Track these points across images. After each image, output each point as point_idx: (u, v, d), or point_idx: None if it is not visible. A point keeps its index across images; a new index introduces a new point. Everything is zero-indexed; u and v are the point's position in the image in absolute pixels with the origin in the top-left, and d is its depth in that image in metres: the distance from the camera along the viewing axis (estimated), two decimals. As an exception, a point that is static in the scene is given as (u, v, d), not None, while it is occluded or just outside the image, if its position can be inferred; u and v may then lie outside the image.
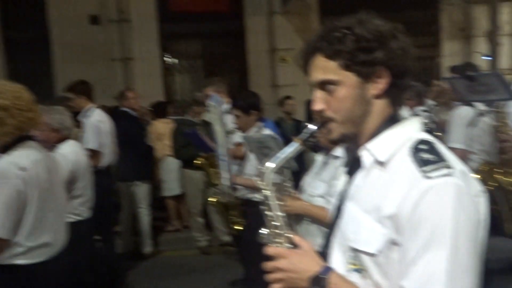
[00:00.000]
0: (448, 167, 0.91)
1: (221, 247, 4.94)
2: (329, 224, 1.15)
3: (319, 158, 2.24)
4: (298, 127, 5.32)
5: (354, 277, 0.99)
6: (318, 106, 1.05)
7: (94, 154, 3.71)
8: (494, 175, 2.21)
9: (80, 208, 2.98)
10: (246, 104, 3.12)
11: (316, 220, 2.05)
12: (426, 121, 3.32)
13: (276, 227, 1.07)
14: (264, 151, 2.49)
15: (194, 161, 3.80)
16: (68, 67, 6.45)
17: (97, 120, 3.92)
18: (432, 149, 0.94)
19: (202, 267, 4.59)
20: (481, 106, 2.91)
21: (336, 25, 1.02)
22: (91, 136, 3.81)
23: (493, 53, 7.65)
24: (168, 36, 7.23)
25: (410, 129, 1.02)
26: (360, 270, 0.98)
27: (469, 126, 2.93)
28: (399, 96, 1.05)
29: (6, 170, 1.89)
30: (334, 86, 1.01)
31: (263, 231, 1.09)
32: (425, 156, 0.93)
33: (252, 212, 2.84)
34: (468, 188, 0.92)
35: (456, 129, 2.94)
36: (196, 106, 4.95)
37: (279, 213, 1.08)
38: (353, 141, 1.07)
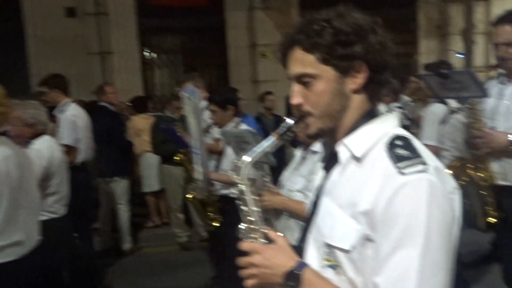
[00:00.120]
0: (423, 163, 0.90)
1: (201, 242, 4.90)
2: (305, 219, 1.14)
3: (298, 153, 2.24)
4: (279, 123, 5.24)
5: (329, 273, 0.97)
6: (295, 100, 1.03)
7: (69, 149, 3.61)
8: (467, 171, 2.25)
9: (55, 206, 2.89)
10: (223, 99, 3.08)
11: (294, 214, 2.05)
12: (401, 117, 3.36)
13: (251, 222, 1.05)
14: (242, 146, 2.46)
15: (174, 157, 3.75)
16: (44, 61, 6.28)
17: (72, 115, 3.81)
18: (407, 145, 0.94)
19: (183, 263, 4.54)
20: (453, 103, 2.97)
21: (314, 17, 1.00)
22: (67, 132, 3.70)
23: (468, 51, 7.82)
24: (147, 31, 7.12)
25: (387, 124, 1.01)
26: (335, 266, 0.97)
27: (441, 123, 2.99)
28: (378, 92, 1.03)
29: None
30: (312, 80, 1.00)
31: (241, 226, 1.07)
32: (400, 152, 0.92)
33: (228, 209, 2.82)
34: (442, 185, 0.91)
35: (428, 126, 2.98)
36: (175, 101, 4.87)
37: (255, 208, 1.06)
38: (330, 136, 1.05)
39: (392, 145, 0.93)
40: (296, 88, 1.03)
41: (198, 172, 2.96)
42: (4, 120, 1.98)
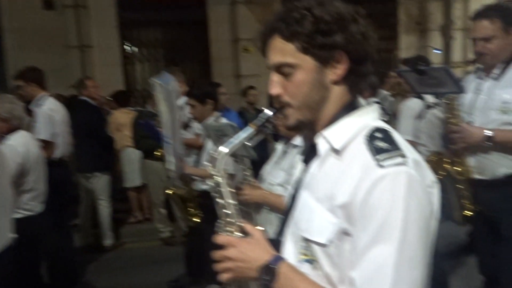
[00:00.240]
0: (402, 156, 0.88)
1: (184, 238, 4.84)
2: (284, 213, 1.11)
3: (279, 147, 2.23)
4: (261, 117, 5.27)
5: (305, 268, 0.96)
6: (274, 90, 1.00)
7: (46, 145, 3.50)
8: (444, 165, 2.27)
9: (31, 203, 2.81)
10: (201, 93, 3.03)
11: (274, 208, 2.04)
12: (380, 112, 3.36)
13: (227, 215, 1.02)
14: (223, 139, 2.43)
15: (155, 153, 3.69)
16: (21, 55, 6.06)
17: (49, 109, 3.69)
18: (387, 138, 0.92)
19: (165, 258, 4.49)
20: (430, 98, 2.99)
21: (295, 5, 0.97)
22: (43, 126, 3.58)
23: (447, 46, 7.92)
24: (128, 24, 6.95)
25: (368, 117, 0.98)
26: (311, 260, 0.95)
27: (417, 118, 3.01)
28: (358, 83, 1.00)
29: None
30: (291, 70, 0.96)
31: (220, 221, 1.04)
32: (380, 145, 0.90)
33: (209, 204, 2.79)
34: (421, 178, 0.89)
35: (404, 120, 3.00)
36: (157, 95, 4.80)
37: (231, 201, 1.03)
38: (310, 128, 1.03)
39: (371, 138, 0.91)
40: (275, 78, 1.00)
41: (170, 162, 2.88)
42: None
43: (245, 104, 6.08)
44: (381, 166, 0.86)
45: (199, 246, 2.70)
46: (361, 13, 0.98)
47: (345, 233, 0.89)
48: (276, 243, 1.04)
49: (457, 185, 2.26)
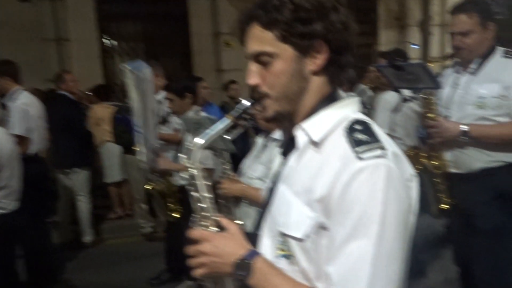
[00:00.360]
0: (382, 148, 0.86)
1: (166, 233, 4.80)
2: (261, 207, 1.08)
3: (259, 140, 2.20)
4: (243, 112, 5.24)
5: (282, 263, 0.93)
6: (252, 80, 0.96)
7: (21, 140, 3.37)
8: (420, 159, 2.28)
9: (3, 201, 2.70)
10: (180, 87, 2.97)
11: (253, 202, 2.02)
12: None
13: (202, 209, 0.98)
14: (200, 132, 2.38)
15: (133, 147, 3.61)
16: (-4, 48, 5.85)
17: (24, 104, 3.56)
18: (366, 130, 0.89)
19: (147, 253, 4.43)
20: (407, 92, 2.99)
21: None
22: (18, 121, 3.45)
23: (425, 42, 8.01)
24: (107, 17, 6.76)
25: (348, 109, 0.96)
26: (288, 256, 0.92)
27: (393, 111, 3.02)
28: (338, 74, 0.97)
29: None
30: (269, 59, 0.93)
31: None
32: (359, 137, 0.87)
33: (188, 200, 2.74)
34: (400, 171, 0.87)
35: (381, 113, 3.00)
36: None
37: (206, 194, 0.99)
38: (288, 120, 0.99)
39: (351, 130, 0.89)
40: (253, 67, 0.96)
41: (141, 153, 2.78)
42: None
43: (226, 99, 6.02)
44: (360, 159, 0.84)
45: (179, 241, 2.66)
46: (342, 1, 0.95)
47: (322, 227, 0.87)
48: (254, 237, 1.02)
49: (434, 179, 2.27)
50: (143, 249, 4.65)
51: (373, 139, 0.87)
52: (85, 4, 6.50)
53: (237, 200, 2.12)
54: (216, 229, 0.97)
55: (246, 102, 0.99)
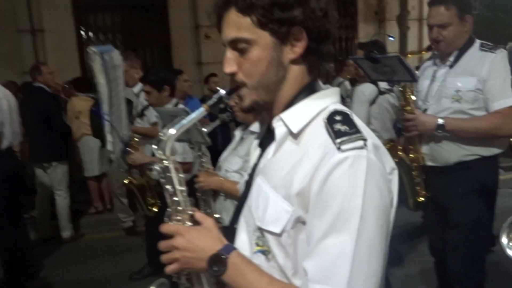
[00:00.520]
0: (363, 139, 0.82)
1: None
2: (239, 200, 1.04)
3: (237, 133, 2.17)
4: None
5: (259, 259, 0.89)
6: (228, 68, 0.91)
7: (-8, 135, 3.26)
8: (397, 152, 2.28)
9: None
10: (158, 79, 2.88)
11: (230, 195, 2.00)
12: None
13: (176, 203, 0.93)
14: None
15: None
16: (-34, 39, 5.61)
17: (-6, 97, 3.42)
18: (347, 120, 0.85)
19: (128, 248, 4.36)
20: (383, 85, 2.99)
21: None
22: (-13, 115, 3.32)
23: (403, 36, 8.09)
24: (83, 8, 6.56)
25: (328, 100, 0.91)
26: (265, 251, 0.89)
27: (370, 103, 3.01)
28: (318, 64, 0.92)
29: None
30: (247, 46, 0.88)
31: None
32: (339, 127, 0.83)
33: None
34: (381, 164, 0.84)
35: (357, 105, 2.99)
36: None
37: (180, 187, 0.93)
38: (266, 111, 0.95)
39: (331, 120, 0.85)
40: (230, 55, 0.91)
41: (109, 143, 2.63)
42: None
43: (207, 92, 5.95)
44: (341, 150, 0.80)
45: (158, 236, 2.61)
46: None
47: (301, 221, 0.83)
48: (231, 231, 0.98)
49: (410, 172, 2.28)
50: (123, 243, 4.57)
51: (353, 130, 0.83)
52: (60, -6, 6.30)
53: (215, 193, 2.10)
54: (190, 223, 0.93)
55: (221, 91, 0.95)
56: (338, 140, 0.81)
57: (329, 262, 0.78)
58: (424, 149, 2.26)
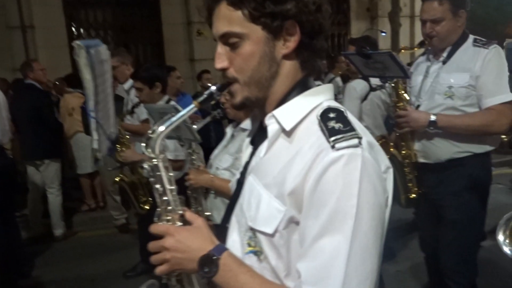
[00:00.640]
0: (358, 137, 0.79)
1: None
2: (230, 199, 1.01)
3: (228, 130, 2.15)
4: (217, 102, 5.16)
5: (251, 260, 0.87)
6: (219, 63, 0.88)
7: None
8: (389, 149, 2.26)
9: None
10: (149, 75, 2.82)
11: (221, 193, 1.97)
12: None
13: (166, 202, 0.90)
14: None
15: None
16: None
17: (-17, 94, 3.36)
18: (341, 118, 0.83)
19: (121, 246, 4.33)
20: (375, 81, 2.97)
21: None
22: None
23: (394, 33, 8.10)
24: (74, 4, 6.47)
25: (321, 96, 0.89)
26: (257, 252, 0.86)
27: (361, 99, 2.99)
28: (311, 59, 0.90)
29: None
30: (238, 40, 0.85)
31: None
32: (334, 125, 0.81)
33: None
34: (376, 162, 0.81)
35: (349, 101, 2.97)
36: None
37: (170, 187, 0.90)
38: (258, 107, 0.92)
39: (324, 118, 0.82)
40: (221, 49, 0.88)
41: (94, 140, 2.54)
42: None
43: (200, 88, 5.91)
44: (335, 148, 0.77)
45: (151, 233, 2.58)
46: None
47: (294, 222, 0.81)
48: (222, 229, 0.96)
49: (403, 168, 2.27)
50: (116, 241, 4.52)
51: (348, 128, 0.80)
52: (51, -10, 6.21)
53: (206, 191, 2.08)
54: (180, 223, 0.90)
55: (212, 87, 0.91)
56: (332, 138, 0.78)
57: (324, 263, 0.76)
58: (416, 145, 2.23)
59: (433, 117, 2.08)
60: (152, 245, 0.88)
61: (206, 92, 0.92)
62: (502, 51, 2.08)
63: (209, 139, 4.48)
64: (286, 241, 0.83)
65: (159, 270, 0.88)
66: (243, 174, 0.98)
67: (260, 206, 0.86)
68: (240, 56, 0.86)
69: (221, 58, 0.88)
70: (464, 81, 2.06)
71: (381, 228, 0.81)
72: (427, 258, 2.48)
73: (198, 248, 0.85)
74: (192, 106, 0.91)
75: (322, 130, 0.81)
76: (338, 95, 3.91)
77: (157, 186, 0.91)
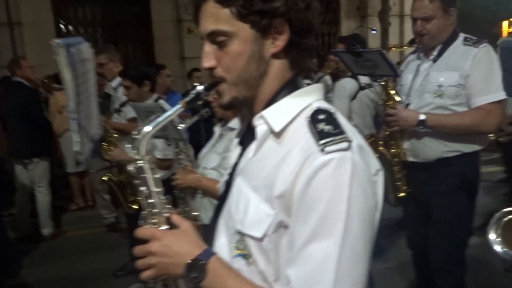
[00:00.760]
0: (348, 140, 0.77)
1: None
2: (219, 200, 0.98)
3: (217, 130, 2.12)
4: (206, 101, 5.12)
5: (239, 263, 0.85)
6: (207, 62, 0.85)
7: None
8: (378, 147, 2.25)
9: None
10: (138, 73, 2.76)
11: (208, 193, 1.94)
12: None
13: (151, 205, 0.87)
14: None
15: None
16: None
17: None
18: (331, 120, 0.81)
19: (110, 245, 4.27)
20: (364, 79, 2.96)
21: None
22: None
23: (384, 32, 8.12)
24: (63, 1, 6.36)
25: (311, 97, 0.87)
26: (246, 255, 0.84)
27: (350, 99, 2.98)
28: (300, 58, 0.87)
29: None
30: (226, 39, 0.83)
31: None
32: (323, 127, 0.79)
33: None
34: (366, 165, 0.80)
35: (338, 100, 2.96)
36: (97, 78, 4.47)
37: (156, 189, 0.87)
38: (247, 107, 0.90)
39: (314, 120, 0.80)
40: (208, 48, 0.85)
41: (75, 142, 2.43)
42: None
43: (190, 87, 5.86)
44: (325, 152, 0.76)
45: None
46: None
47: (283, 226, 0.79)
48: (211, 230, 0.94)
49: (392, 167, 2.26)
50: (106, 240, 4.47)
51: (337, 130, 0.79)
52: (38, -13, 6.09)
53: (194, 191, 2.04)
54: (166, 226, 0.87)
55: (199, 87, 0.88)
56: (322, 142, 0.77)
57: (313, 269, 0.75)
58: (406, 144, 2.21)
59: (422, 116, 2.06)
60: (138, 250, 0.86)
61: (193, 92, 0.89)
62: (492, 50, 2.07)
63: (199, 138, 4.44)
64: (275, 245, 0.81)
65: (145, 275, 0.86)
66: (232, 175, 0.95)
67: (249, 210, 0.83)
68: (228, 55, 0.84)
69: (209, 57, 0.85)
70: (454, 80, 2.04)
71: (370, 232, 0.80)
72: (415, 256, 2.48)
73: (185, 253, 0.83)
74: (178, 106, 0.88)
75: (312, 133, 0.79)
76: (327, 94, 3.90)
77: (143, 188, 0.89)
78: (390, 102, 2.21)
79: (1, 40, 5.89)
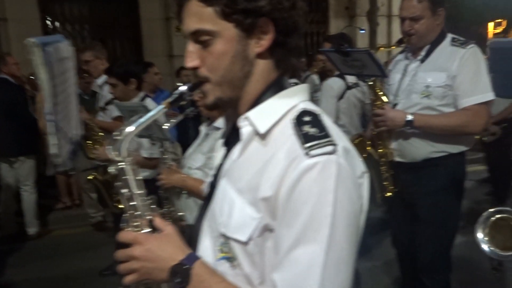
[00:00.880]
0: (332, 143, 0.76)
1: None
2: (203, 201, 0.95)
3: (203, 129, 2.09)
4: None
5: (224, 267, 0.83)
6: (190, 62, 0.83)
7: None
8: (366, 147, 2.25)
9: None
10: (124, 71, 2.70)
11: (193, 193, 1.91)
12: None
13: (133, 207, 0.85)
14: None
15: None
16: None
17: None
18: (316, 122, 0.79)
19: (97, 244, 4.19)
20: (351, 79, 2.95)
21: None
22: None
23: (372, 32, 8.16)
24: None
25: (296, 98, 0.85)
26: (230, 258, 0.83)
27: (338, 98, 2.97)
28: (286, 58, 0.86)
29: None
30: (210, 39, 0.81)
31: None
32: (308, 130, 0.78)
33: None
34: (351, 168, 0.78)
35: (325, 100, 2.95)
36: (83, 75, 4.39)
37: (138, 191, 0.85)
38: (231, 108, 0.88)
39: (299, 122, 0.79)
40: (192, 48, 0.83)
41: (52, 145, 2.33)
42: None
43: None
44: (309, 155, 0.74)
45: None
46: None
47: (268, 229, 0.78)
48: (195, 230, 0.92)
49: (379, 167, 2.25)
50: (92, 239, 4.39)
51: (323, 133, 0.78)
52: (24, -19, 5.96)
53: (179, 191, 2.01)
54: (149, 229, 0.85)
55: (182, 87, 0.87)
56: (307, 145, 0.75)
57: (299, 274, 0.74)
58: (393, 144, 2.20)
59: (409, 117, 2.05)
60: (120, 254, 0.83)
61: (176, 92, 0.87)
62: (479, 51, 2.06)
63: (187, 137, 4.40)
64: (260, 249, 0.79)
65: (127, 279, 0.83)
66: (216, 177, 0.93)
67: (233, 213, 0.82)
68: (212, 55, 0.82)
69: (192, 57, 0.83)
70: (441, 81, 2.04)
71: (356, 235, 0.79)
72: (399, 255, 2.49)
73: (169, 258, 0.81)
74: (161, 106, 0.85)
75: (297, 135, 0.78)
76: (314, 93, 3.89)
77: (124, 190, 0.86)
78: (378, 102, 2.20)
79: (-14, 36, 5.77)
